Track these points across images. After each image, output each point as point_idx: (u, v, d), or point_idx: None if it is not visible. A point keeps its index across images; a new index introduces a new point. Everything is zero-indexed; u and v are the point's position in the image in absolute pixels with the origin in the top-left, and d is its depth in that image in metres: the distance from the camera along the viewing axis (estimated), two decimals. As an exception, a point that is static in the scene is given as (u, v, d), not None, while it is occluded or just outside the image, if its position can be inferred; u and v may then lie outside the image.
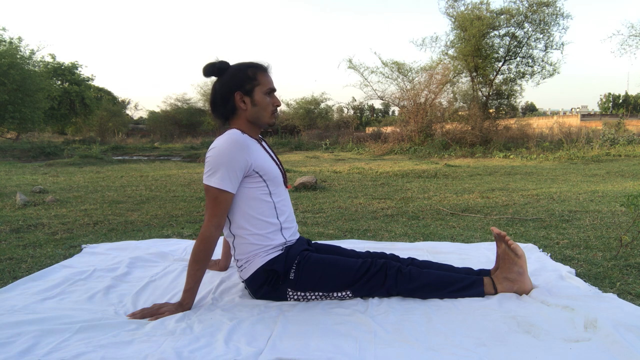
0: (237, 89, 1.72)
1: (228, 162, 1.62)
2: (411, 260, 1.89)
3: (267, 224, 1.73)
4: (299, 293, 1.72)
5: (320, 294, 1.72)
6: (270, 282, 1.73)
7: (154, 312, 1.61)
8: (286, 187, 1.87)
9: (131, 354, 1.30)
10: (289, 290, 1.72)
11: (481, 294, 1.72)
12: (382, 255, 1.91)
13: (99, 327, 1.47)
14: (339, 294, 1.73)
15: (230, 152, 1.62)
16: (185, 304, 1.65)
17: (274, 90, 1.77)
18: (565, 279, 1.91)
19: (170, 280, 2.00)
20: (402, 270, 1.73)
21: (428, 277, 1.73)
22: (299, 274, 1.71)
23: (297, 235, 1.87)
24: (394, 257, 1.90)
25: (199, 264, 1.65)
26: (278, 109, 1.82)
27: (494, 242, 2.61)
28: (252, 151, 1.69)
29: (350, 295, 1.73)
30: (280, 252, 1.74)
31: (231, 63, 1.78)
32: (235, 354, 1.30)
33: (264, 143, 1.88)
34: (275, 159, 1.87)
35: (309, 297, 1.73)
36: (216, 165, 1.62)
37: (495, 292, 1.73)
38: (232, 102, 1.73)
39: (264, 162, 1.73)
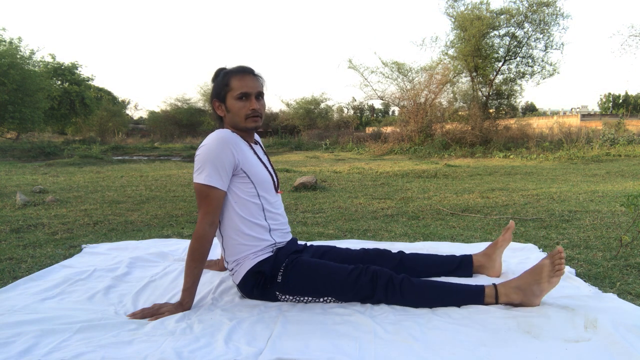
0: (214, 96, 1.74)
1: (216, 159, 1.61)
2: (401, 255, 1.91)
3: (255, 225, 1.72)
4: (287, 296, 1.72)
5: (309, 298, 1.71)
6: (259, 285, 1.72)
7: (154, 312, 1.61)
8: (277, 192, 1.85)
9: (131, 354, 1.30)
10: (278, 293, 1.72)
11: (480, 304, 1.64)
12: (375, 252, 1.91)
13: (99, 327, 1.47)
14: (328, 299, 1.71)
15: (217, 148, 1.62)
16: (185, 303, 1.65)
17: (247, 94, 1.69)
18: (565, 279, 1.91)
19: (170, 280, 2.00)
20: (393, 280, 1.66)
21: (421, 290, 1.65)
22: (286, 277, 1.70)
23: (289, 237, 1.86)
24: (385, 253, 1.91)
25: (196, 262, 1.65)
26: (266, 111, 1.76)
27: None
28: (240, 150, 1.69)
29: (342, 302, 1.71)
30: (270, 254, 1.74)
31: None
32: (235, 354, 1.30)
33: (257, 147, 1.87)
34: (267, 165, 1.85)
35: (299, 299, 1.72)
36: (204, 162, 1.62)
37: (496, 303, 1.63)
38: (214, 110, 1.76)
39: (252, 164, 1.73)
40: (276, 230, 1.79)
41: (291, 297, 1.72)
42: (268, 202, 1.77)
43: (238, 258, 1.73)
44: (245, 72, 1.72)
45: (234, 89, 1.69)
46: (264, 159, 1.87)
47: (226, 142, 1.64)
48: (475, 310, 1.60)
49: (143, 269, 2.15)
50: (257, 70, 1.77)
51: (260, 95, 1.74)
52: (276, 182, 1.86)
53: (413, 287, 1.65)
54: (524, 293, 1.61)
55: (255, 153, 1.81)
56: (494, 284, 1.66)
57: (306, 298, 1.72)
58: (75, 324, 1.48)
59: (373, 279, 1.66)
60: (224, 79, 1.72)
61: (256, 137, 1.95)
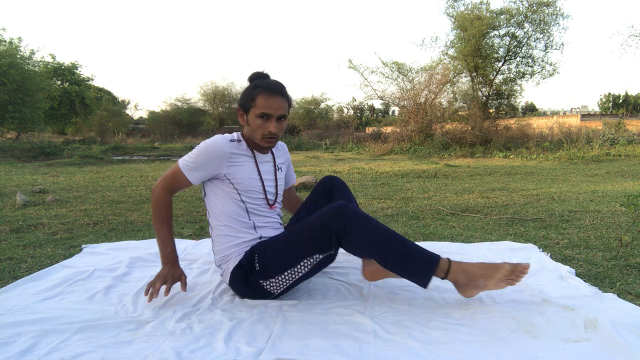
0: (240, 104, 1.78)
1: (199, 160, 1.72)
2: None
3: (238, 221, 1.78)
4: (271, 281, 1.71)
5: (290, 270, 1.70)
6: (244, 280, 1.74)
7: (154, 287, 1.71)
8: (270, 207, 1.85)
9: (131, 354, 1.30)
10: (262, 282, 1.72)
11: (429, 273, 1.58)
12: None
13: (99, 327, 1.47)
14: (307, 261, 1.69)
15: (206, 154, 1.71)
16: (163, 264, 1.76)
17: (268, 115, 1.70)
18: (565, 279, 1.91)
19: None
20: (356, 209, 1.64)
21: (382, 229, 1.62)
22: (262, 261, 1.71)
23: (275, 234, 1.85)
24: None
25: (159, 221, 1.76)
26: (279, 133, 1.75)
27: (494, 242, 2.63)
28: (231, 163, 1.74)
29: (318, 257, 1.69)
30: (249, 247, 1.77)
31: (270, 73, 1.82)
32: (235, 354, 1.30)
33: (266, 158, 1.87)
34: (268, 179, 1.85)
35: (283, 279, 1.71)
36: (195, 154, 1.73)
37: (443, 278, 1.60)
38: (238, 116, 1.82)
39: (242, 176, 1.76)
40: (262, 227, 1.81)
41: (274, 281, 1.71)
42: (253, 206, 1.80)
43: (223, 256, 1.78)
44: (273, 93, 1.71)
45: (258, 106, 1.71)
46: (268, 172, 1.86)
47: (216, 152, 1.71)
48: (475, 310, 1.60)
49: (143, 269, 2.16)
50: (286, 90, 1.77)
51: (282, 117, 1.75)
52: (273, 198, 1.86)
53: (373, 222, 1.62)
54: (469, 279, 1.60)
55: (257, 165, 1.81)
56: (449, 259, 1.62)
57: (287, 272, 1.70)
58: (75, 324, 1.48)
59: (338, 207, 1.63)
60: (252, 92, 1.73)
61: (281, 148, 1.99)
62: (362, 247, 1.63)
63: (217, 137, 1.76)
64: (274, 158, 1.91)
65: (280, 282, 1.71)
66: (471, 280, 1.60)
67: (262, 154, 1.84)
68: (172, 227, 1.81)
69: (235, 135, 1.81)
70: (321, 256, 1.69)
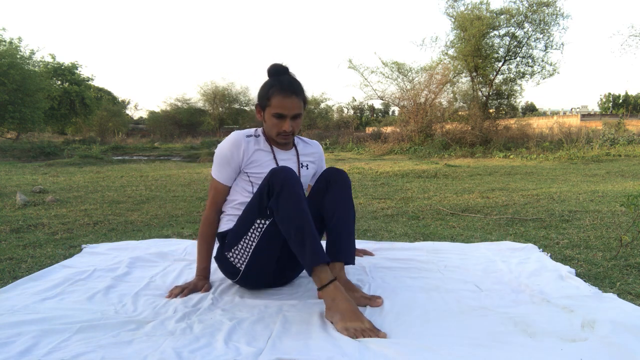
0: (258, 101, 1.84)
1: (221, 157, 1.82)
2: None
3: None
4: (233, 251, 1.75)
5: (244, 239, 1.71)
6: (219, 255, 1.81)
7: (173, 294, 1.79)
8: None
9: (131, 354, 1.30)
10: (227, 254, 1.76)
11: (312, 264, 1.54)
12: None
13: (99, 327, 1.47)
14: (255, 227, 1.68)
15: (223, 149, 1.81)
16: (196, 277, 1.87)
17: (283, 115, 1.75)
18: (565, 279, 1.92)
19: (171, 281, 2.00)
20: (277, 175, 1.61)
21: (301, 208, 1.58)
22: (230, 235, 1.77)
23: None
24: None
25: (201, 238, 1.87)
26: (294, 130, 1.79)
27: (494, 242, 2.63)
28: (249, 153, 1.81)
29: (262, 222, 1.67)
30: None
31: (290, 67, 1.85)
32: (235, 354, 1.30)
33: (287, 154, 1.89)
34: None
35: (241, 249, 1.72)
36: (215, 159, 1.85)
37: (318, 289, 1.56)
38: (256, 112, 1.88)
39: (262, 172, 1.80)
40: None
41: (235, 251, 1.73)
42: None
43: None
44: (287, 93, 1.73)
45: (273, 106, 1.75)
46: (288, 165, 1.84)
47: (233, 144, 1.80)
48: (474, 310, 1.60)
49: (143, 269, 2.15)
50: (301, 88, 1.79)
51: (296, 116, 1.78)
52: None
53: (297, 188, 1.59)
54: (331, 308, 1.52)
55: (275, 160, 1.85)
56: (334, 280, 1.56)
57: (242, 241, 1.71)
58: (75, 324, 1.48)
59: (271, 169, 1.66)
60: (267, 92, 1.76)
61: (311, 146, 2.02)
62: (277, 205, 1.59)
63: (233, 134, 1.84)
64: (297, 155, 1.94)
65: (239, 253, 1.73)
66: (331, 309, 1.52)
67: (282, 150, 1.89)
68: (212, 245, 1.89)
69: (253, 130, 1.88)
70: (265, 222, 1.66)
